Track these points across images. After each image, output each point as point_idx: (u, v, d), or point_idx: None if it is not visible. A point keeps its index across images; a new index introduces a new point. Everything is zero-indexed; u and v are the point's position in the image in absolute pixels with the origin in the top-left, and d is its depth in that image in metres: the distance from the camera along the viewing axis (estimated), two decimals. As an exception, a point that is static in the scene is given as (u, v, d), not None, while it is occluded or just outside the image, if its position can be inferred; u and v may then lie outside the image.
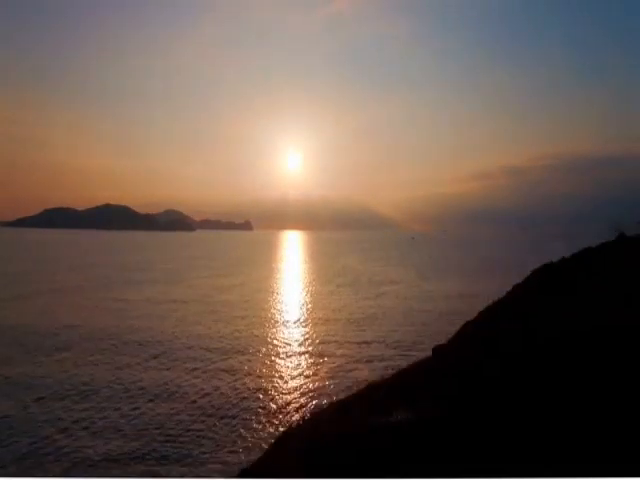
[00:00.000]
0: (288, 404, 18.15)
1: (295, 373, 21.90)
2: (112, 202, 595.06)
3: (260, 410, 17.40)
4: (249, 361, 23.56)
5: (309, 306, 40.12)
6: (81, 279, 56.72)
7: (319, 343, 27.22)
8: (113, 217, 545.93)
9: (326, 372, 21.83)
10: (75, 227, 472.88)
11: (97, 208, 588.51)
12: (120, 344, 26.38)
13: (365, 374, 21.03)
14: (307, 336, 29.03)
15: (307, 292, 49.35)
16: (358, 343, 27.06)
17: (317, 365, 23.00)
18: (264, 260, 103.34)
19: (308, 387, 20.01)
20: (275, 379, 20.98)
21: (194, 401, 18.14)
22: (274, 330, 30.86)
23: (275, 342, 27.62)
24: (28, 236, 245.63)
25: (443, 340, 27.52)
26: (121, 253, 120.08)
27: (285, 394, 19.22)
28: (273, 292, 49.05)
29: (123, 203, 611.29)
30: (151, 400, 18.12)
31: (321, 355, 24.64)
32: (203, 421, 16.30)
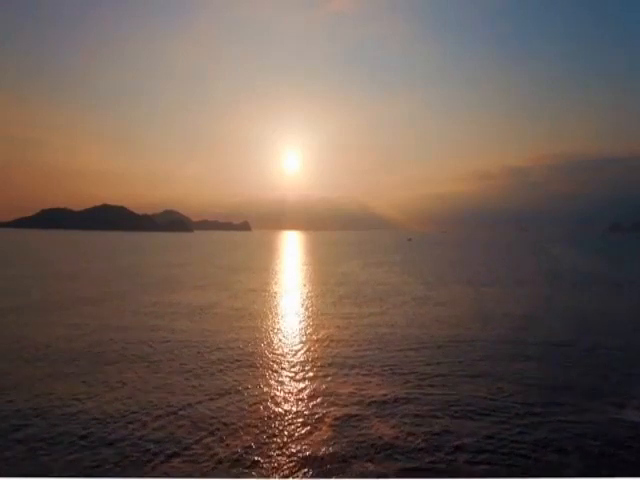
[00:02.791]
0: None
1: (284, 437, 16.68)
2: (110, 202, 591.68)
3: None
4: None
5: (304, 333, 34.66)
6: (51, 292, 51.67)
7: (314, 398, 21.98)
8: (111, 218, 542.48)
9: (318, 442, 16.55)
10: (73, 228, 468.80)
11: (95, 208, 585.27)
12: None
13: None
14: (299, 386, 23.71)
15: (303, 311, 44.01)
16: (370, 401, 21.82)
17: (309, 429, 17.74)
18: (259, 266, 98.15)
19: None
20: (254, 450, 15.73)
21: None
22: (253, 377, 25.60)
23: (255, 396, 22.35)
24: (24, 237, 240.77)
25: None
26: (111, 257, 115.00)
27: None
28: (263, 311, 43.88)
29: (121, 203, 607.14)
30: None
31: (318, 415, 19.39)
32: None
